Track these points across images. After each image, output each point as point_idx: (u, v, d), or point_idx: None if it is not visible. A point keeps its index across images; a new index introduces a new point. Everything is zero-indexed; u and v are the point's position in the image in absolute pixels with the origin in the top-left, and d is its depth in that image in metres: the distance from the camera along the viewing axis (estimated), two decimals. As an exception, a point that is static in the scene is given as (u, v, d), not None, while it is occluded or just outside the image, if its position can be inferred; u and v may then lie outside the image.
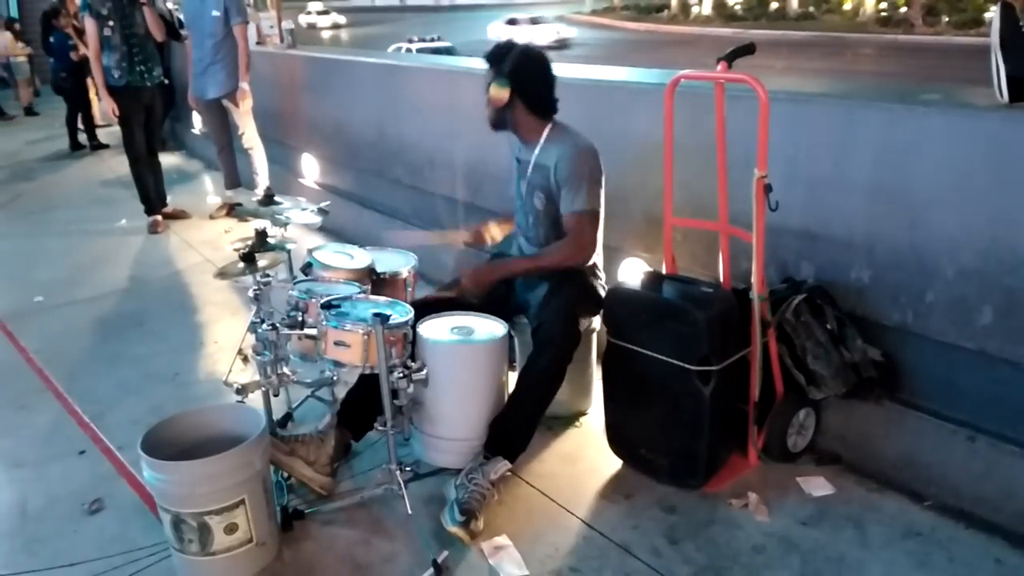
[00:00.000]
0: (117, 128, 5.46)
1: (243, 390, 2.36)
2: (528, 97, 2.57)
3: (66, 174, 8.03)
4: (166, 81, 5.55)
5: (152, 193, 5.62)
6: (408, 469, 2.40)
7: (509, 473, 2.38)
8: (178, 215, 5.83)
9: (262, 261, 2.53)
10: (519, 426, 2.45)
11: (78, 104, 8.97)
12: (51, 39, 9.11)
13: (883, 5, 27.70)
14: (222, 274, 2.56)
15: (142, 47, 5.19)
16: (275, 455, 2.31)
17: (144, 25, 5.17)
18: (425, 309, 2.55)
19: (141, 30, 5.17)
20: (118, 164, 7.20)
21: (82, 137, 9.16)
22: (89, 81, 8.50)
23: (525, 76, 2.55)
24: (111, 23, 5.03)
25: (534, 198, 2.65)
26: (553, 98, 2.61)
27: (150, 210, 5.61)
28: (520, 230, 2.81)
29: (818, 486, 2.42)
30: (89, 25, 5.07)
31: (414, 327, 2.35)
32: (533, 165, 2.63)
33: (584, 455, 2.66)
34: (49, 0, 9.61)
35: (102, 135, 9.16)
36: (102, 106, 5.24)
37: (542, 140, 2.61)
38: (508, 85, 2.52)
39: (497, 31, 29.35)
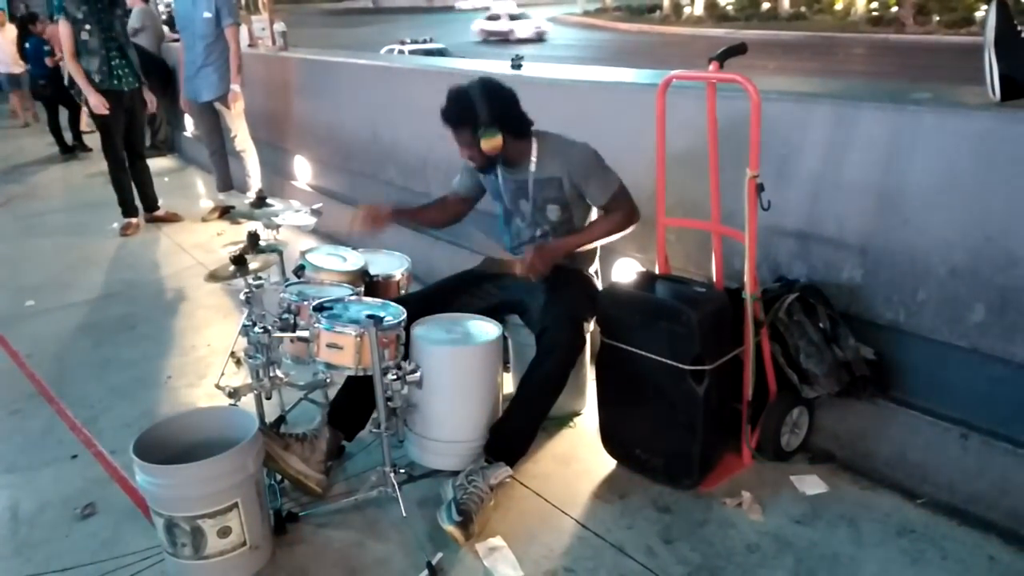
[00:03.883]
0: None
1: (235, 393, 2.35)
2: (513, 129, 2.55)
3: (57, 178, 8.00)
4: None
5: (130, 196, 5.58)
6: (402, 471, 2.40)
7: (509, 479, 2.38)
8: (170, 218, 5.81)
9: (254, 264, 2.52)
10: (521, 432, 2.44)
11: (59, 109, 8.93)
12: (27, 45, 9.08)
13: (874, 5, 27.71)
14: (214, 277, 2.55)
15: (120, 51, 5.17)
16: (271, 447, 2.30)
17: (123, 30, 5.14)
18: (421, 307, 2.53)
19: (120, 35, 5.15)
20: (109, 167, 7.18)
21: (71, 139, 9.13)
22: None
23: (506, 113, 2.52)
24: (88, 27, 4.99)
25: (547, 212, 2.65)
26: (526, 114, 2.59)
27: (126, 212, 5.59)
28: (522, 243, 2.74)
29: (812, 484, 2.43)
30: (63, 28, 5.01)
31: (408, 328, 2.34)
32: (534, 182, 2.62)
33: (578, 455, 2.66)
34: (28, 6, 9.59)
35: (91, 140, 9.12)
36: (93, 103, 5.13)
37: (533, 156, 2.60)
38: (499, 132, 2.49)
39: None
